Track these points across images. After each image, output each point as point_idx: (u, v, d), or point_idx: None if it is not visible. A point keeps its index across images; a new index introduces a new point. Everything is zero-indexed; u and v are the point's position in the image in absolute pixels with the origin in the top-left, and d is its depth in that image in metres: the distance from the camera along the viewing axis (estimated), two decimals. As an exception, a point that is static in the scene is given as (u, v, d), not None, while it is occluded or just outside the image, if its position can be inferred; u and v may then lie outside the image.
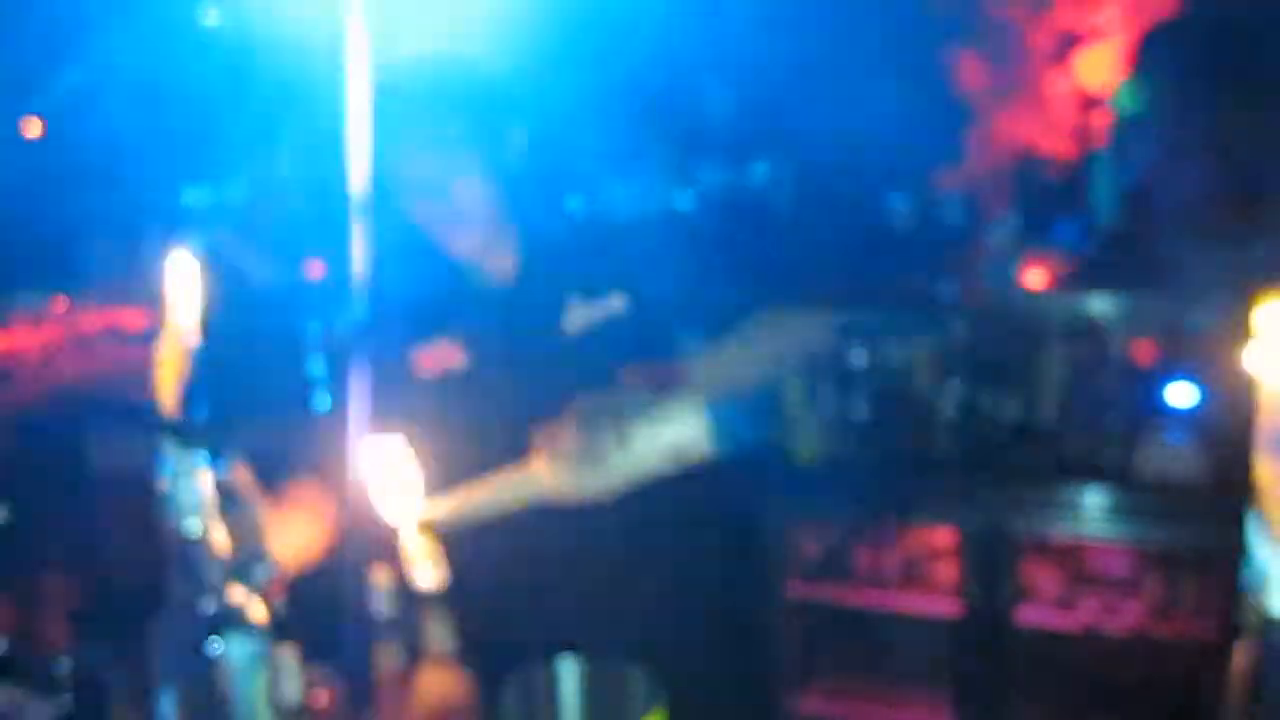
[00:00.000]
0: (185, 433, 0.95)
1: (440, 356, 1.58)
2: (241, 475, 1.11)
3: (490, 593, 1.42)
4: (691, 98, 3.84)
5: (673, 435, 1.41)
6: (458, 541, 1.21)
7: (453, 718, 1.10)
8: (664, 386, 1.43)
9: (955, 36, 3.56)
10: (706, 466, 1.59)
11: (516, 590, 1.58)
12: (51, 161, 3.86)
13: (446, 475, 1.35)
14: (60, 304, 3.62)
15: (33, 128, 4.01)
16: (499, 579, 1.51)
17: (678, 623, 1.64)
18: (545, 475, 1.39)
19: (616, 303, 1.60)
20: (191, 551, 0.98)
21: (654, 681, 0.89)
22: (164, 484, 0.96)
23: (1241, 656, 0.73)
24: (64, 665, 1.26)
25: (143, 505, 2.07)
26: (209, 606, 0.99)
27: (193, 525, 0.96)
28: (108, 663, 1.24)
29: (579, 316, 1.60)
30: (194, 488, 0.96)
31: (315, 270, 3.54)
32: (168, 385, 0.94)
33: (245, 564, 1.00)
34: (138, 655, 1.13)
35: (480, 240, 1.60)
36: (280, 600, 1.06)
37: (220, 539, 0.98)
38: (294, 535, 1.42)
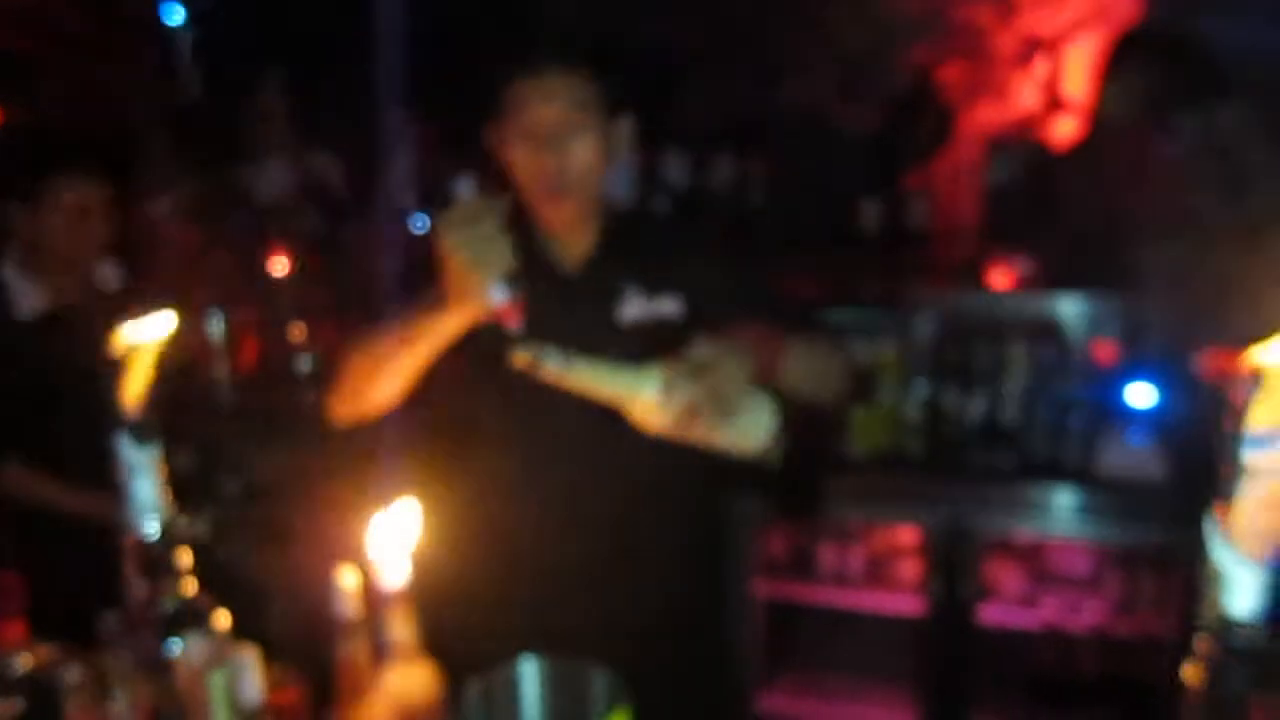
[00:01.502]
0: (144, 431, 0.94)
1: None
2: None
3: (454, 591, 1.41)
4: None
5: (767, 416, 1.37)
6: (421, 540, 1.20)
7: (417, 718, 1.09)
8: (772, 354, 1.40)
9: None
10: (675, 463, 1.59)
11: (480, 589, 1.57)
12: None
13: None
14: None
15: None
16: (463, 578, 1.51)
17: (642, 620, 1.64)
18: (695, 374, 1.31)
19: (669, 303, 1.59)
20: (150, 550, 0.96)
21: (617, 680, 0.89)
22: (122, 482, 0.94)
23: (1199, 654, 0.74)
24: (17, 665, 1.24)
25: (98, 504, 2.04)
26: (168, 606, 0.98)
27: (151, 524, 0.95)
28: (62, 663, 1.22)
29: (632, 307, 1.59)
30: (152, 486, 0.95)
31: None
32: (130, 383, 0.92)
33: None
34: (94, 655, 1.11)
35: (575, 210, 1.58)
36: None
37: (180, 537, 0.97)
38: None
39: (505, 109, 1.52)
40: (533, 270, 1.55)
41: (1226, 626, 0.70)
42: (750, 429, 1.37)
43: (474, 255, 1.34)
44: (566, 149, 1.51)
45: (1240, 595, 0.70)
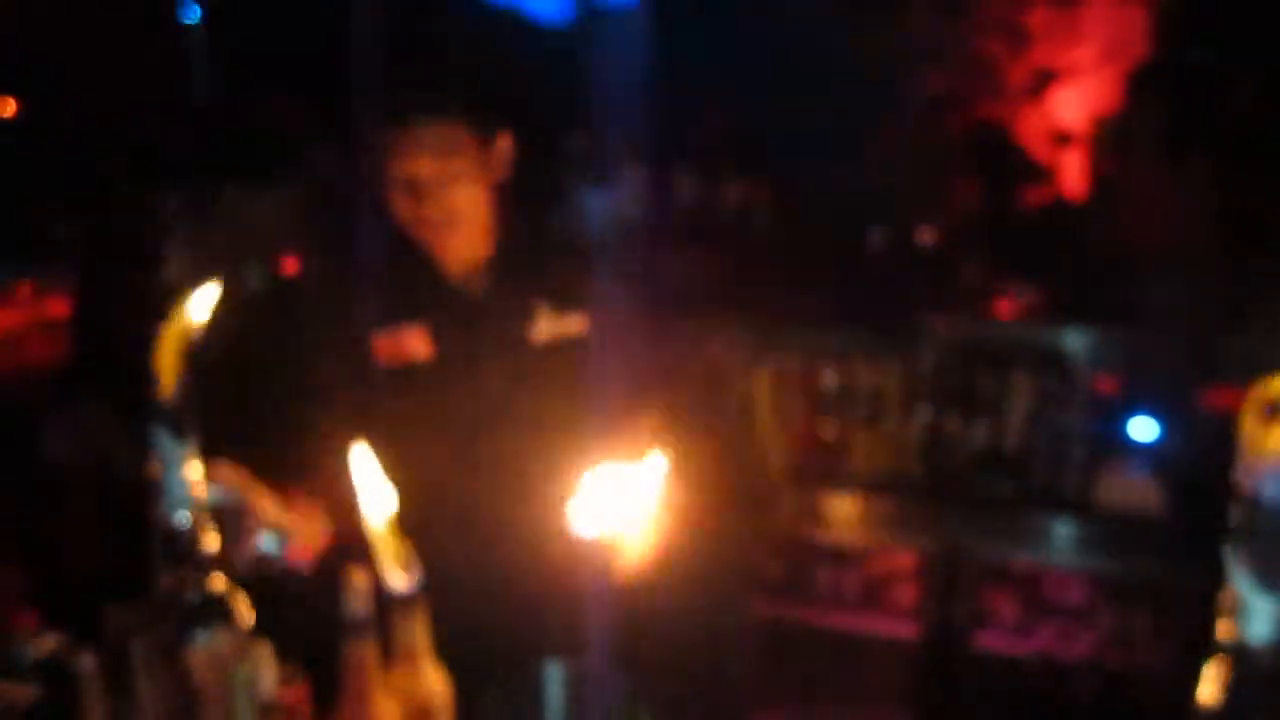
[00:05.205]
0: (180, 424, 0.95)
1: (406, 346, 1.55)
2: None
3: (465, 595, 1.42)
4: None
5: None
6: (436, 543, 1.21)
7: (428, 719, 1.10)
8: None
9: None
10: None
11: (491, 593, 1.58)
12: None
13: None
14: (26, 288, 3.57)
15: (7, 107, 3.96)
16: (472, 583, 1.51)
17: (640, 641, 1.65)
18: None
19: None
20: (178, 541, 0.98)
21: (638, 686, 0.90)
22: (154, 473, 0.96)
23: (1216, 679, 0.75)
24: (30, 653, 1.24)
25: (111, 492, 2.05)
26: (193, 597, 0.99)
27: (181, 516, 0.96)
28: (76, 651, 1.23)
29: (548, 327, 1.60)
30: (184, 478, 0.96)
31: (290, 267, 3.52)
32: (168, 375, 0.94)
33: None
34: (112, 643, 1.12)
35: (464, 241, 1.60)
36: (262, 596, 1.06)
37: (207, 530, 0.98)
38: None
39: (379, 156, 1.53)
40: (434, 298, 1.57)
41: (1244, 652, 0.72)
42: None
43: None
44: (442, 196, 1.52)
45: (1258, 622, 0.72)
